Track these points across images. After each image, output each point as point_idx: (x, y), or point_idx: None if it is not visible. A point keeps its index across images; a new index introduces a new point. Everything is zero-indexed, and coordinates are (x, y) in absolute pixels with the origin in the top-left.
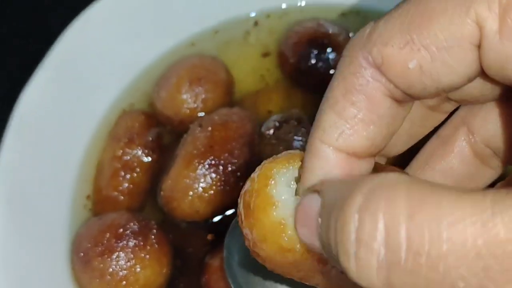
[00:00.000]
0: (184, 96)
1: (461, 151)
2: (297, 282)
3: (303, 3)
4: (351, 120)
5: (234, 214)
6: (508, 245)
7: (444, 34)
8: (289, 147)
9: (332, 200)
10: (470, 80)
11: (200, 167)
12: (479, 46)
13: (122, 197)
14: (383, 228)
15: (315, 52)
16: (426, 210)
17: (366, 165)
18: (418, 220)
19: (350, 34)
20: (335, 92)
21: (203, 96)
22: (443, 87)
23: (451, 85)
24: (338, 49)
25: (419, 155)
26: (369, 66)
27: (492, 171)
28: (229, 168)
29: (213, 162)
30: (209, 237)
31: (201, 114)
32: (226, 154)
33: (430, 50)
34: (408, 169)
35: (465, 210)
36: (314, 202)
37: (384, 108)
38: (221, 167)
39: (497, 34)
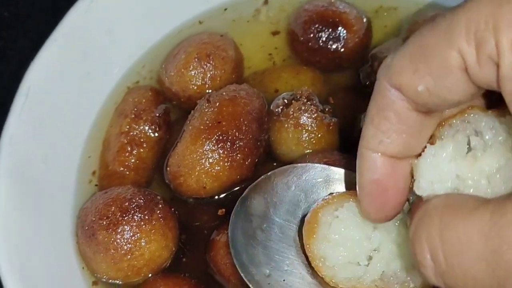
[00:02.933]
0: (192, 73)
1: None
2: (301, 263)
3: None
4: (387, 132)
5: (241, 190)
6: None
7: (439, 64)
8: (298, 124)
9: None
10: (475, 95)
11: (207, 142)
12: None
13: (128, 173)
14: (427, 250)
15: (326, 30)
16: (450, 234)
17: (406, 164)
18: (445, 243)
19: (361, 13)
20: (371, 110)
21: (212, 72)
22: (451, 103)
23: (458, 101)
24: (349, 27)
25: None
26: (392, 89)
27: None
28: (237, 144)
29: (220, 137)
30: (220, 212)
31: (209, 91)
32: (234, 130)
33: (432, 76)
34: None
35: (474, 228)
36: None
37: (412, 120)
38: (228, 143)
39: (477, 64)
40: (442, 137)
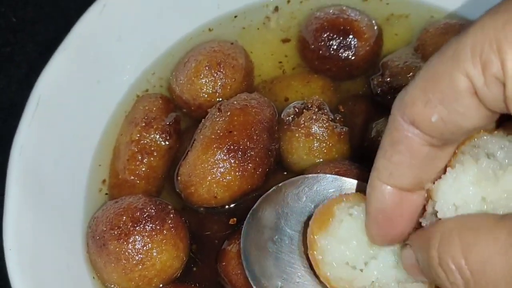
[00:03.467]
0: (203, 81)
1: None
2: (313, 275)
3: None
4: (398, 165)
5: (252, 200)
6: None
7: (449, 90)
8: (309, 133)
9: (419, 250)
10: (490, 119)
11: (218, 152)
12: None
13: (139, 182)
14: (454, 268)
15: (337, 38)
16: (472, 255)
17: (415, 196)
18: (469, 263)
19: (372, 21)
20: (385, 142)
21: (222, 81)
22: (467, 130)
23: (473, 127)
24: (360, 35)
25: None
26: (406, 123)
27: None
28: (248, 154)
29: (231, 147)
30: (231, 221)
31: (219, 99)
32: (245, 139)
33: (444, 104)
34: None
35: (493, 248)
36: (408, 253)
37: (423, 154)
38: (240, 153)
39: (484, 86)
40: (462, 160)
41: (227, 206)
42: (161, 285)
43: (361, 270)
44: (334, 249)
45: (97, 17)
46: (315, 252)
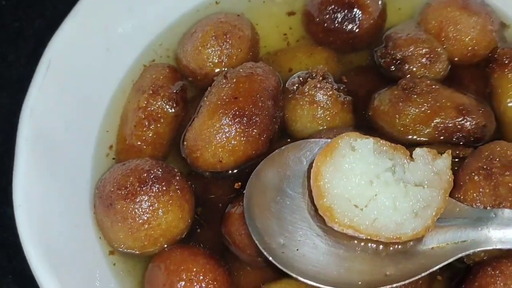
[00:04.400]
0: (209, 50)
1: None
2: (314, 233)
3: None
4: None
5: (256, 164)
6: None
7: None
8: (313, 101)
9: None
10: None
11: (224, 117)
12: None
13: (145, 147)
14: None
15: (342, 11)
16: None
17: None
18: None
19: None
20: None
21: (228, 51)
22: None
23: None
24: (364, 9)
25: None
26: None
27: None
28: (253, 120)
29: (237, 113)
30: (236, 185)
31: (225, 69)
32: (251, 106)
33: None
34: None
35: None
36: None
37: None
38: (245, 118)
39: None
40: None
41: (231, 171)
42: (165, 245)
43: (361, 210)
44: (337, 182)
45: None
46: (320, 183)
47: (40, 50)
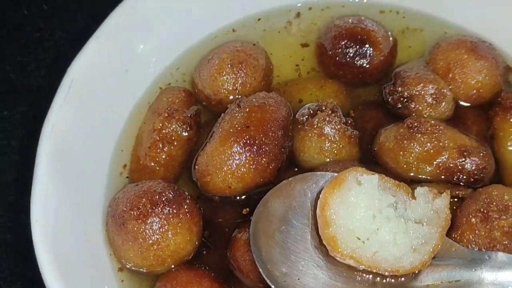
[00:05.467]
0: (225, 78)
1: None
2: (315, 264)
3: None
4: None
5: (264, 193)
6: None
7: None
8: (321, 134)
9: None
10: None
11: (235, 145)
12: None
13: (158, 168)
14: None
15: (354, 46)
16: None
17: None
18: None
19: (388, 32)
20: None
21: (243, 79)
22: None
23: None
24: (376, 45)
25: None
26: None
27: None
28: (263, 149)
29: (248, 141)
30: (245, 211)
31: (239, 96)
32: (261, 135)
33: None
34: None
35: None
36: None
37: None
38: (255, 147)
39: None
40: None
41: (240, 197)
42: (173, 266)
43: (363, 242)
44: (343, 214)
45: (130, 10)
46: (327, 213)
47: (59, 61)
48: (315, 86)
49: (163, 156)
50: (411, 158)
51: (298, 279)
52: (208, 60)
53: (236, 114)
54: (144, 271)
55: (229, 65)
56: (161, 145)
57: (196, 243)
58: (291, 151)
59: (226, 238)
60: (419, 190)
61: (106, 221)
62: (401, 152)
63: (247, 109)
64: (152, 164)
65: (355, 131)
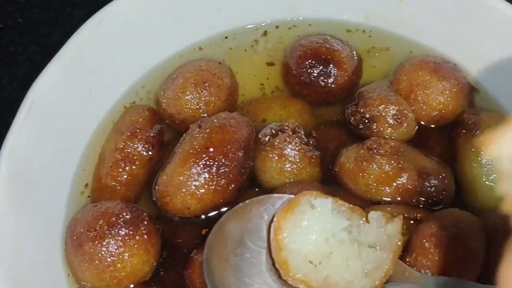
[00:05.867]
0: (188, 97)
1: None
2: (273, 287)
3: (312, 17)
4: None
5: (224, 212)
6: None
7: None
8: (282, 155)
9: None
10: None
11: (194, 166)
12: None
13: (119, 187)
14: None
15: (318, 66)
16: None
17: None
18: None
19: (353, 52)
20: None
21: (206, 98)
22: None
23: None
24: (340, 65)
25: None
26: None
27: None
28: (222, 170)
29: (207, 162)
30: (204, 232)
31: (204, 115)
32: (221, 156)
33: None
34: None
35: None
36: None
37: None
38: (214, 168)
39: None
40: None
41: (199, 218)
42: (131, 286)
43: (315, 266)
44: (295, 238)
45: (93, 30)
46: (279, 237)
47: (33, 76)
48: (279, 106)
49: (125, 176)
50: (370, 179)
51: None
52: (173, 79)
53: (197, 135)
54: None
55: (193, 84)
56: (122, 164)
57: (154, 264)
58: (252, 171)
59: (184, 259)
60: (372, 214)
61: (65, 241)
62: (360, 174)
63: (208, 130)
64: (113, 183)
65: (316, 151)
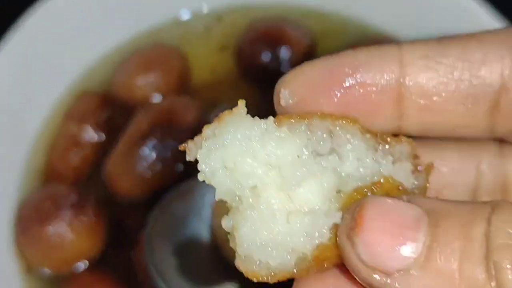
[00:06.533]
0: (139, 81)
1: None
2: (210, 266)
3: (267, 2)
4: None
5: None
6: None
7: None
8: None
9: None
10: None
11: (140, 148)
12: None
13: (70, 172)
14: None
15: (269, 49)
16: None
17: None
18: None
19: (307, 35)
20: None
21: (157, 82)
22: None
23: None
24: (293, 47)
25: None
26: None
27: None
28: (169, 153)
29: (153, 145)
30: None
31: (154, 99)
32: (167, 139)
33: None
34: None
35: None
36: (411, 211)
37: None
38: (161, 150)
39: None
40: None
41: (146, 200)
42: (77, 268)
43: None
44: None
45: (43, 14)
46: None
47: None
48: (230, 89)
49: (76, 160)
50: None
51: (194, 280)
52: (124, 65)
53: (142, 118)
54: (49, 273)
55: (143, 68)
56: (74, 149)
57: (101, 245)
58: None
59: (131, 240)
60: None
61: (14, 225)
62: None
63: (154, 113)
64: (65, 168)
65: None
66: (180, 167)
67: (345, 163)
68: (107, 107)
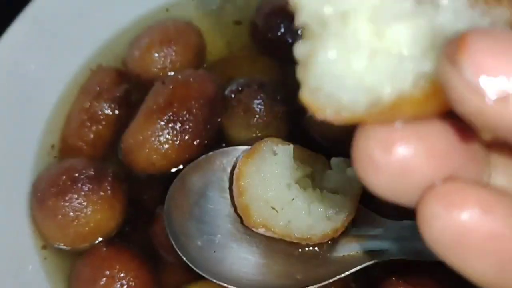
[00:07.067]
0: (155, 56)
1: None
2: (232, 238)
3: None
4: None
5: None
6: None
7: None
8: (247, 109)
9: None
10: None
11: (158, 122)
12: None
13: (86, 147)
14: None
15: (285, 23)
16: None
17: None
18: None
19: None
20: None
21: (173, 57)
22: None
23: None
24: None
25: None
26: None
27: None
28: (186, 126)
29: (171, 118)
30: None
31: (170, 74)
32: (185, 112)
33: None
34: None
35: None
36: None
37: None
38: (178, 124)
39: None
40: None
41: (165, 174)
42: (95, 243)
43: (277, 212)
44: (257, 184)
45: None
46: (241, 183)
47: None
48: (246, 63)
49: (91, 135)
50: (338, 132)
51: (214, 252)
52: (139, 40)
53: (160, 91)
54: (66, 248)
55: (159, 43)
56: (89, 124)
57: (119, 220)
58: (220, 128)
59: (150, 215)
60: (334, 160)
61: (31, 199)
62: (327, 128)
63: (171, 86)
64: (80, 143)
65: (282, 107)
66: (198, 140)
67: (441, 14)
68: (123, 82)
